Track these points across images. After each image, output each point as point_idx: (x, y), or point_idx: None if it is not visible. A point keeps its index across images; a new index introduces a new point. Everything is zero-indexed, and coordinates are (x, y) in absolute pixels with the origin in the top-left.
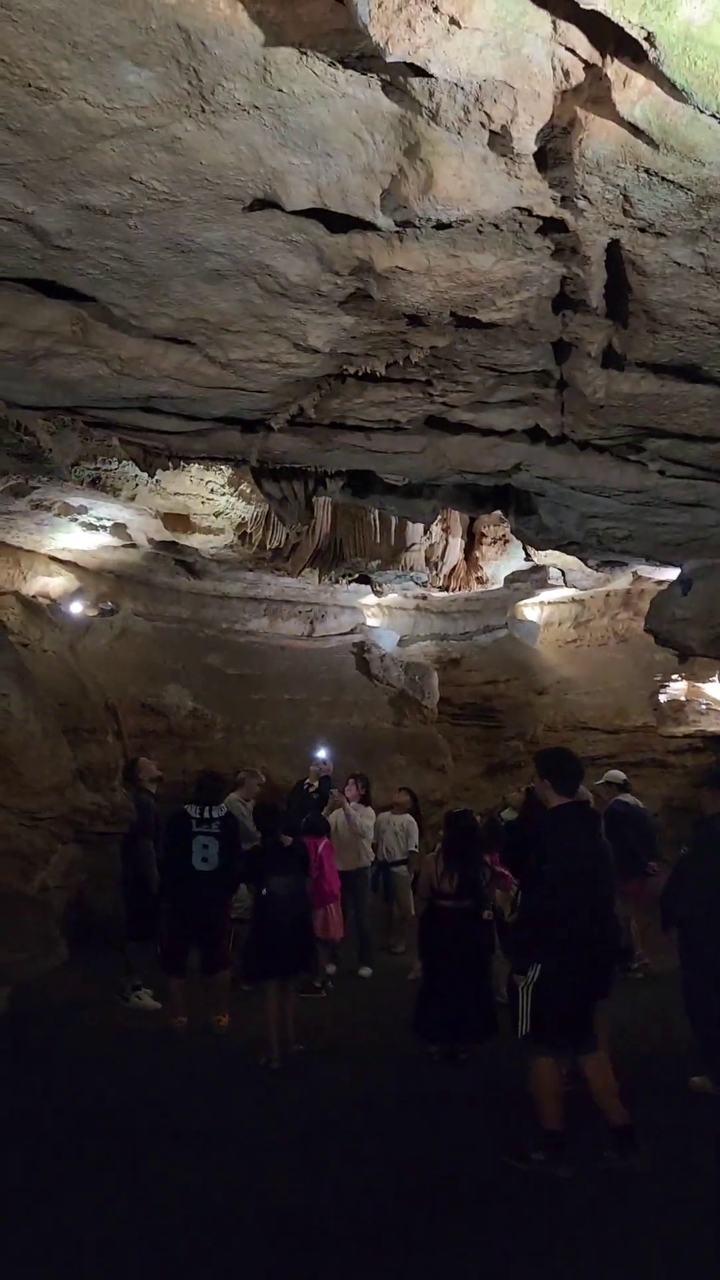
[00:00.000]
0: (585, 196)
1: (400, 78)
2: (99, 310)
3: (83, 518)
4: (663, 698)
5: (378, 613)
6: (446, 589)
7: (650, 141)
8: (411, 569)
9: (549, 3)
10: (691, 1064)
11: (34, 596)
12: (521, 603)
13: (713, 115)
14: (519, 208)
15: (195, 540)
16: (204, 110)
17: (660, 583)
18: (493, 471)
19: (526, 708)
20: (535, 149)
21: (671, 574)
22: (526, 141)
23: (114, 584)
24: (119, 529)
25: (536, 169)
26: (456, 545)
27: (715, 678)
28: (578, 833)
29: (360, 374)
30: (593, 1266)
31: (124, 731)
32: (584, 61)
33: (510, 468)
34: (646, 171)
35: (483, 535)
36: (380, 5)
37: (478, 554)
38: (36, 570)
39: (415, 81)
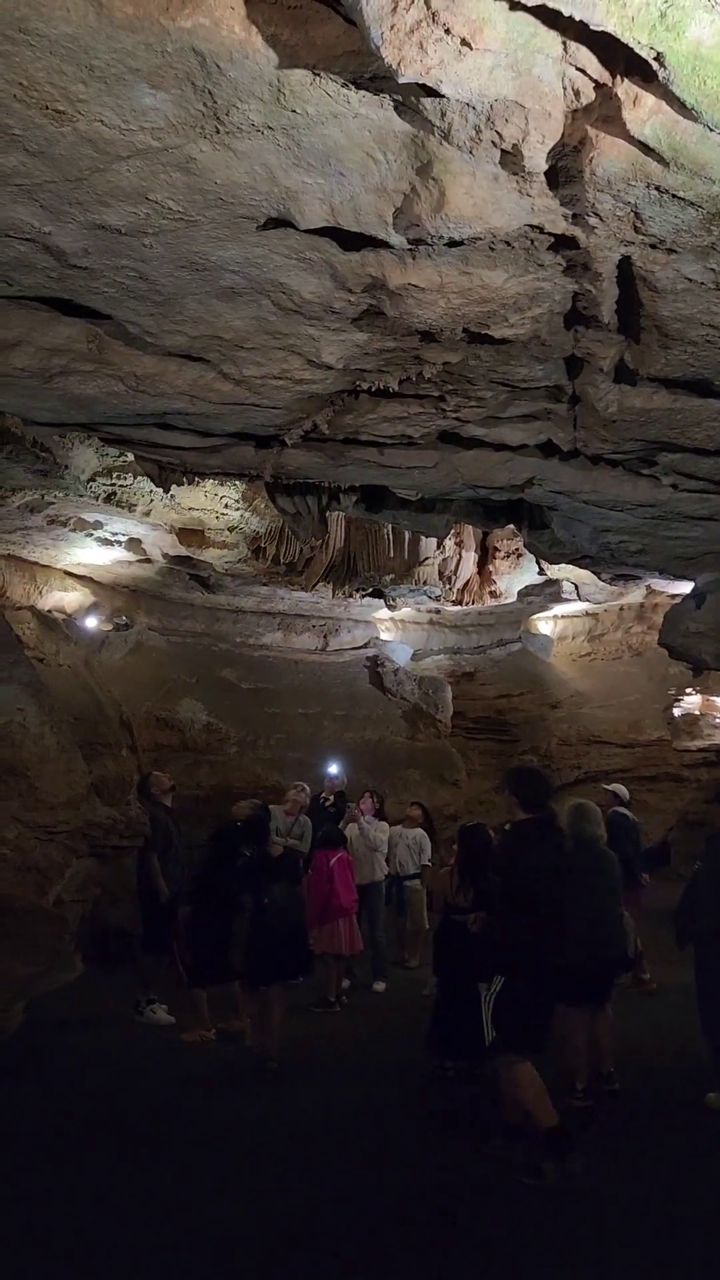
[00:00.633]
0: (596, 214)
1: (412, 98)
2: (115, 328)
3: (98, 533)
4: (677, 712)
5: (391, 627)
6: (460, 603)
7: (660, 159)
8: (425, 583)
9: (559, 24)
10: (707, 1080)
11: (49, 611)
12: (535, 616)
13: None
14: (531, 225)
15: (209, 555)
16: (219, 131)
17: (674, 596)
18: (505, 486)
19: (540, 722)
20: (546, 167)
21: (685, 587)
22: (538, 160)
23: (129, 598)
24: (134, 544)
25: (548, 187)
26: (470, 559)
27: None
28: (537, 847)
29: (373, 390)
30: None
31: (139, 745)
32: (594, 81)
33: (523, 482)
34: (657, 189)
35: (496, 549)
36: (392, 28)
37: (491, 568)
38: (52, 585)
39: (427, 102)
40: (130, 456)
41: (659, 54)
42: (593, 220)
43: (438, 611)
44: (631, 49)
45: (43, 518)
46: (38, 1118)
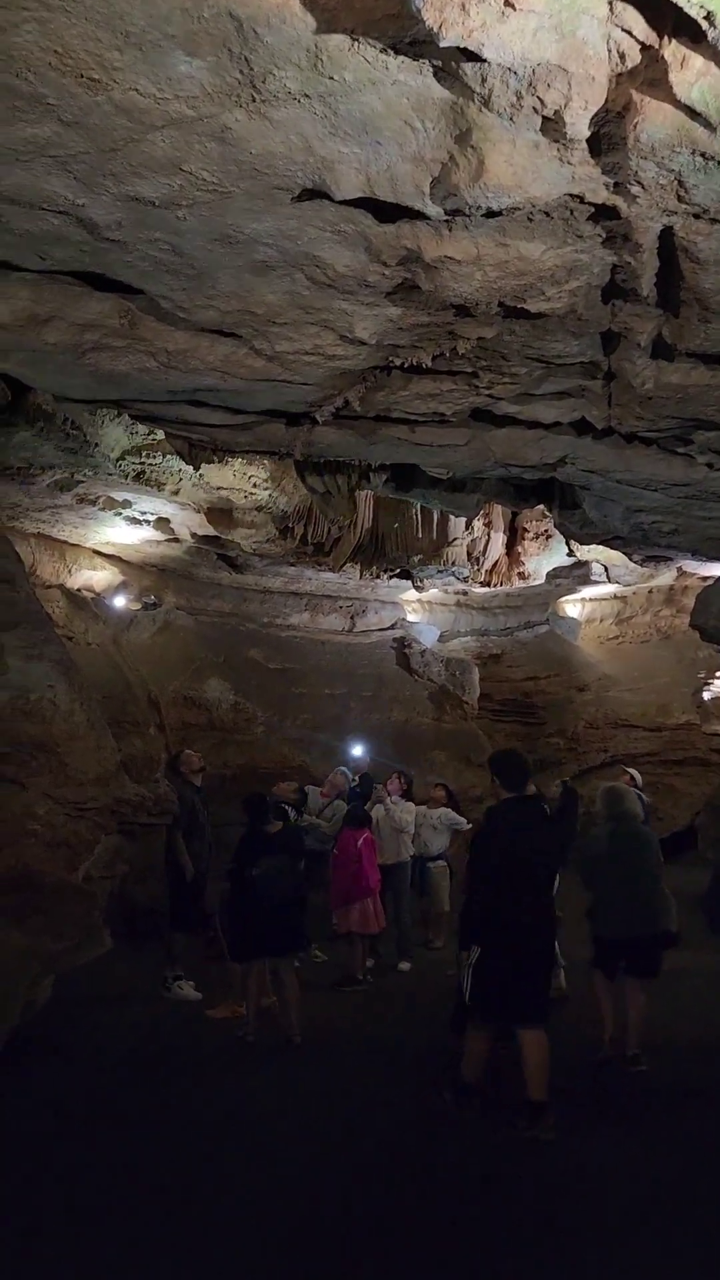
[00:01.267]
0: (639, 182)
1: (453, 63)
2: (147, 303)
3: (127, 512)
4: (706, 695)
5: (418, 608)
6: (488, 584)
7: (707, 124)
8: (453, 564)
9: None
10: None
11: (78, 590)
12: (563, 599)
13: None
14: (570, 194)
15: (237, 534)
16: (254, 99)
17: (706, 579)
18: (537, 465)
19: (567, 704)
20: (589, 134)
21: (718, 569)
22: (580, 126)
23: (157, 578)
24: (162, 523)
25: (589, 154)
26: (498, 540)
27: None
28: (516, 826)
29: (406, 366)
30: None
31: (166, 724)
32: (640, 43)
33: (555, 461)
34: (703, 155)
35: (525, 530)
36: None
37: (519, 549)
38: (81, 564)
39: (468, 67)
40: (160, 435)
41: (709, 12)
42: (635, 189)
43: (465, 593)
44: (680, 8)
45: (72, 496)
46: (65, 1091)
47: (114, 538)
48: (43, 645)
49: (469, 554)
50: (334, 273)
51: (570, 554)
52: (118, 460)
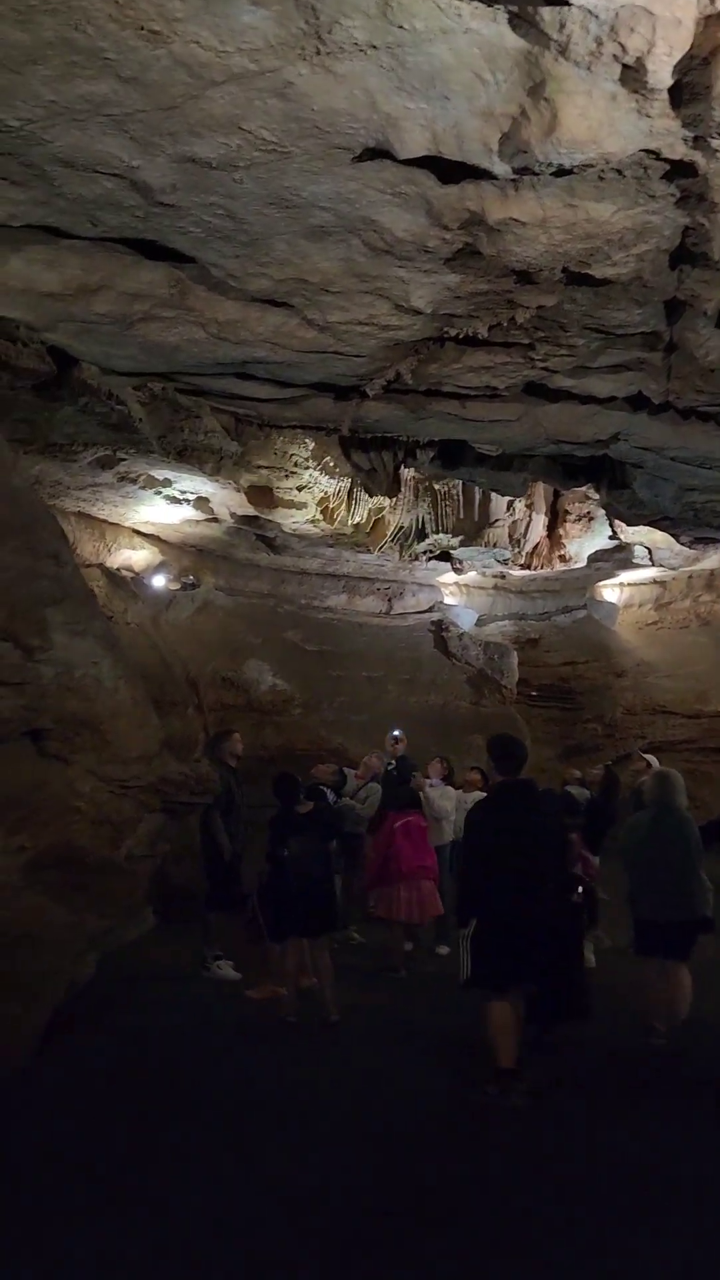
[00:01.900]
0: None
1: (529, 8)
2: (198, 272)
3: (167, 491)
4: None
5: (455, 591)
6: (528, 567)
7: None
8: (494, 545)
9: None
10: None
11: (118, 570)
12: (600, 584)
13: None
14: (646, 150)
15: (277, 515)
16: (319, 52)
17: None
18: (590, 441)
19: (605, 690)
20: (670, 83)
21: None
22: (662, 75)
23: (195, 558)
24: (202, 503)
25: (670, 106)
26: (539, 522)
27: None
28: (510, 808)
29: (461, 337)
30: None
31: (204, 705)
32: None
33: (608, 438)
34: None
35: (566, 512)
36: None
37: (561, 531)
38: (120, 544)
39: (546, 11)
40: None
41: None
42: (716, 143)
43: (503, 576)
44: None
45: (113, 474)
46: (110, 1068)
47: (153, 517)
48: (88, 621)
49: (510, 536)
50: (392, 237)
51: (613, 536)
52: (160, 438)
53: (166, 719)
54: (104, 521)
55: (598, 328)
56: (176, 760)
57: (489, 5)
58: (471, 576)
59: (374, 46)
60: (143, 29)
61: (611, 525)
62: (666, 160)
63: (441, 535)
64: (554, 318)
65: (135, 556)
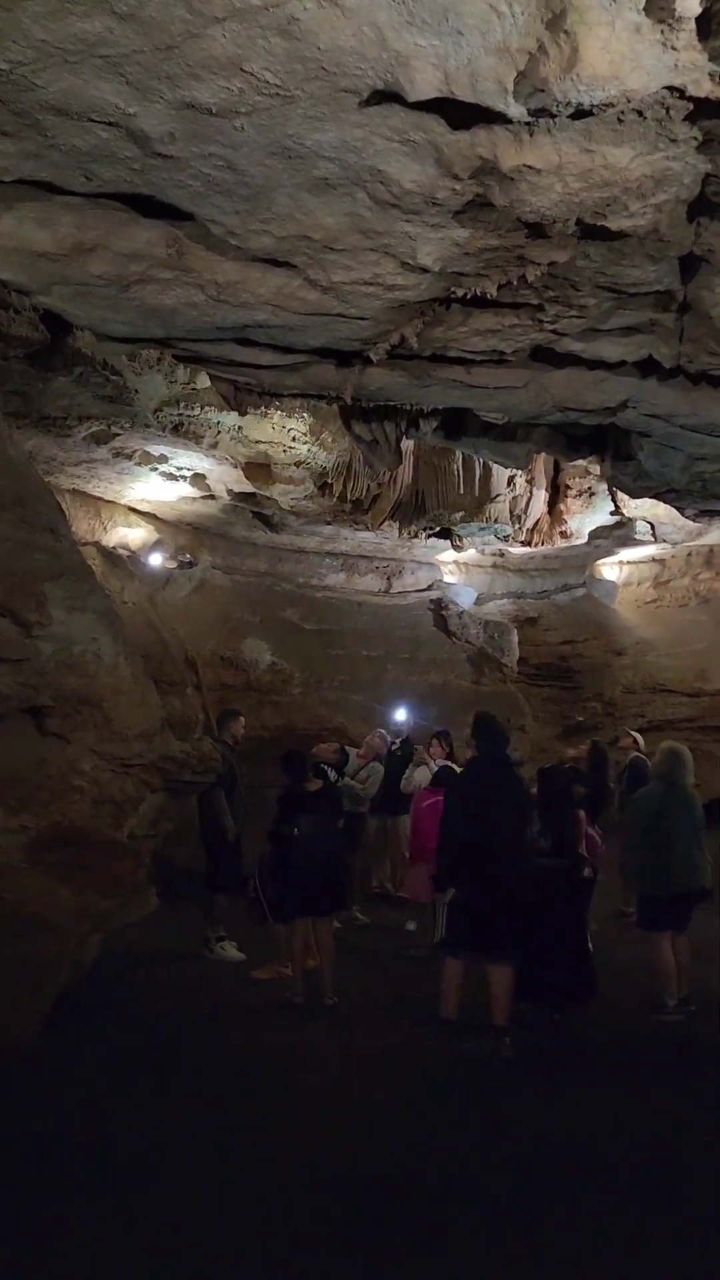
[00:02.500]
0: None
1: None
2: (197, 230)
3: (163, 467)
4: None
5: (454, 570)
6: (529, 543)
7: None
8: (495, 521)
9: None
10: None
11: (114, 548)
12: (600, 562)
13: None
14: (670, 87)
15: (275, 490)
16: None
17: None
18: (597, 409)
19: (605, 669)
20: (699, 10)
21: None
22: (690, 2)
23: (192, 536)
24: (198, 479)
25: (697, 37)
26: (540, 498)
27: None
28: (483, 781)
29: (468, 297)
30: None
31: (203, 684)
32: None
33: (616, 405)
34: None
35: (567, 487)
36: None
37: (562, 507)
38: (116, 521)
39: None
40: (200, 385)
41: None
42: None
43: (502, 554)
44: None
45: (108, 450)
46: (116, 1049)
47: (149, 494)
48: (86, 596)
49: (511, 511)
50: (399, 189)
51: (615, 512)
52: (156, 411)
53: (166, 698)
54: (99, 499)
55: (610, 286)
56: (177, 739)
57: None
58: (470, 555)
59: None
60: None
61: (614, 500)
62: (691, 99)
63: (442, 511)
64: (565, 275)
65: (131, 535)
